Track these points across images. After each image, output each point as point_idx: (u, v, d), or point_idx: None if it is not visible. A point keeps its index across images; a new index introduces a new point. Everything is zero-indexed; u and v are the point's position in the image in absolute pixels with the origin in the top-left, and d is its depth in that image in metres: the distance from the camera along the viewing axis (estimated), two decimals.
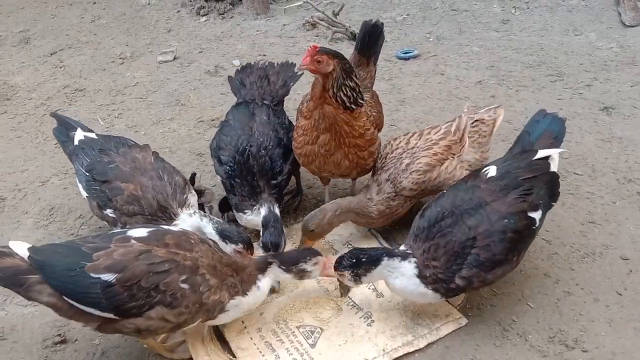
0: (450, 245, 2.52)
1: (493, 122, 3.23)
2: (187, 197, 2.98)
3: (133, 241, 2.36)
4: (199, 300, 2.34)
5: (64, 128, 3.36)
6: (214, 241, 2.66)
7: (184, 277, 2.31)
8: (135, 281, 2.25)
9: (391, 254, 2.56)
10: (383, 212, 3.04)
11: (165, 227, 2.59)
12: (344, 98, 2.85)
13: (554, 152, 2.83)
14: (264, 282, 2.57)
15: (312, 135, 2.98)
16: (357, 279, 2.58)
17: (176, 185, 2.96)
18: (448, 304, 2.77)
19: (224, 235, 2.79)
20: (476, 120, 3.20)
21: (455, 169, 3.04)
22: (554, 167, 2.79)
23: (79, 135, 3.23)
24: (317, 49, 2.71)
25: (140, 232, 2.43)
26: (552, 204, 2.78)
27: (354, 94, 2.90)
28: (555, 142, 2.93)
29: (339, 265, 2.59)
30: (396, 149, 3.12)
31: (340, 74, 2.81)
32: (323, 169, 3.13)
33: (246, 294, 2.49)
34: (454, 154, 3.06)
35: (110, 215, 2.90)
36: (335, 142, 2.96)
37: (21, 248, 2.34)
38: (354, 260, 2.54)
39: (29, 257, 2.32)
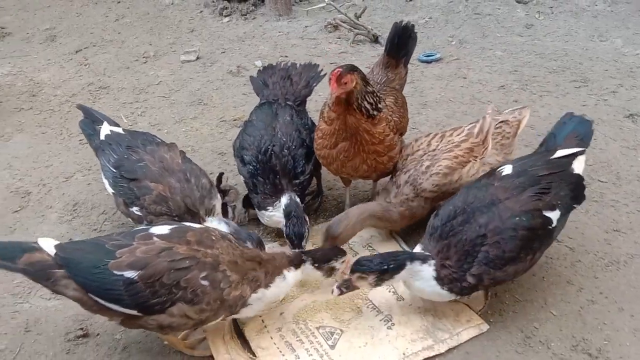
0: (461, 243, 2.52)
1: (518, 123, 3.19)
2: (213, 202, 2.98)
3: (155, 238, 2.38)
4: (220, 297, 2.35)
5: (90, 121, 3.37)
6: (235, 237, 2.65)
7: (204, 274, 2.32)
8: (157, 278, 2.27)
9: (413, 258, 2.56)
10: (403, 213, 3.02)
11: (188, 224, 2.60)
12: (368, 106, 2.87)
13: (572, 151, 2.79)
14: (292, 275, 2.58)
15: (331, 141, 2.99)
16: (380, 282, 2.57)
17: (203, 189, 2.96)
18: (469, 309, 2.75)
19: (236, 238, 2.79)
20: (500, 122, 3.16)
21: (477, 171, 3.01)
22: (578, 169, 2.75)
23: (105, 129, 3.24)
24: (340, 73, 2.71)
25: (163, 229, 2.45)
26: (575, 206, 2.74)
27: (375, 98, 2.91)
28: (581, 143, 2.89)
29: (366, 268, 2.53)
30: (417, 150, 3.10)
31: (362, 85, 2.82)
32: (341, 171, 3.14)
33: (269, 286, 2.49)
34: (476, 157, 3.03)
35: (136, 212, 2.92)
36: (354, 149, 2.98)
37: (49, 244, 2.39)
38: (384, 267, 2.52)
39: (55, 254, 2.36)
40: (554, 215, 2.59)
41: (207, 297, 2.33)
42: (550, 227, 2.60)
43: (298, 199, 3.08)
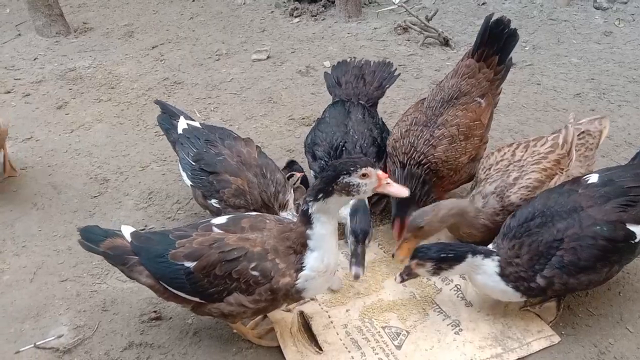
0: (535, 244, 2.47)
1: (599, 134, 3.08)
2: (286, 197, 3.00)
3: (214, 228, 2.43)
4: (271, 287, 2.33)
5: (168, 116, 3.49)
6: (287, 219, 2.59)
7: (253, 265, 2.32)
8: (211, 269, 2.32)
9: (475, 251, 2.53)
10: (487, 226, 2.90)
11: (248, 213, 2.64)
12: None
13: None
14: (315, 239, 2.28)
15: None
16: (437, 272, 2.54)
17: (277, 184, 2.99)
18: (540, 320, 2.69)
19: None
20: (582, 132, 3.06)
21: None
22: None
23: (182, 123, 3.34)
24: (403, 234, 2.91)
25: (222, 219, 2.50)
26: None
27: (423, 194, 3.05)
28: None
29: (422, 255, 2.53)
30: (501, 160, 2.99)
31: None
32: None
33: (303, 268, 2.33)
34: (562, 169, 2.91)
35: (215, 205, 2.98)
36: None
37: (127, 232, 2.54)
38: (441, 255, 2.50)
39: (130, 241, 2.49)
40: (638, 230, 2.48)
41: (259, 287, 2.32)
42: (633, 242, 2.49)
43: (366, 200, 3.09)
